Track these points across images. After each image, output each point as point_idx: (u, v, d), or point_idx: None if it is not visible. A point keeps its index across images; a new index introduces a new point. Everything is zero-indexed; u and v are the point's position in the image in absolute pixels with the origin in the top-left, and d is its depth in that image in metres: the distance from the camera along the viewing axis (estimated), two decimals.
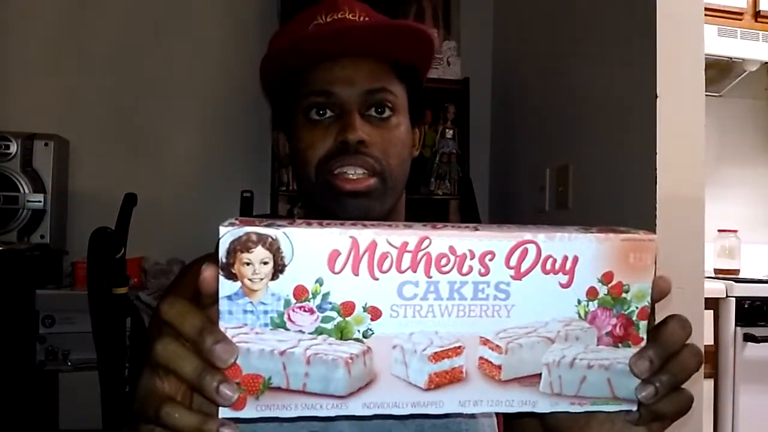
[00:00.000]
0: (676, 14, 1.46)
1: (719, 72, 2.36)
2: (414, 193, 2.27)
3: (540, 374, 0.44)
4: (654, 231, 0.42)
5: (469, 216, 2.30)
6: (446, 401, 0.43)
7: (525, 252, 0.41)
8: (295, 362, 0.41)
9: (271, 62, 0.75)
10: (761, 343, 1.77)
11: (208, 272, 0.40)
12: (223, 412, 0.41)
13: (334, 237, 0.40)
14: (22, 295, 1.90)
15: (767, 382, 1.82)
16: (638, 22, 1.52)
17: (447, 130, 2.33)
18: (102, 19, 2.38)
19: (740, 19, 2.15)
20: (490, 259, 0.41)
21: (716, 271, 2.24)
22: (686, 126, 1.46)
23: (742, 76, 2.33)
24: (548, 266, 0.42)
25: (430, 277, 0.41)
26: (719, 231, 2.28)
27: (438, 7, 2.37)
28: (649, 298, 0.44)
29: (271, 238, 0.39)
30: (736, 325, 1.79)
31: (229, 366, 0.40)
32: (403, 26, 0.76)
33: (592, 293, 0.43)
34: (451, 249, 0.40)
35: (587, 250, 0.42)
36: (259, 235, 0.39)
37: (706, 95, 1.50)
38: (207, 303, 0.41)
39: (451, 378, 0.43)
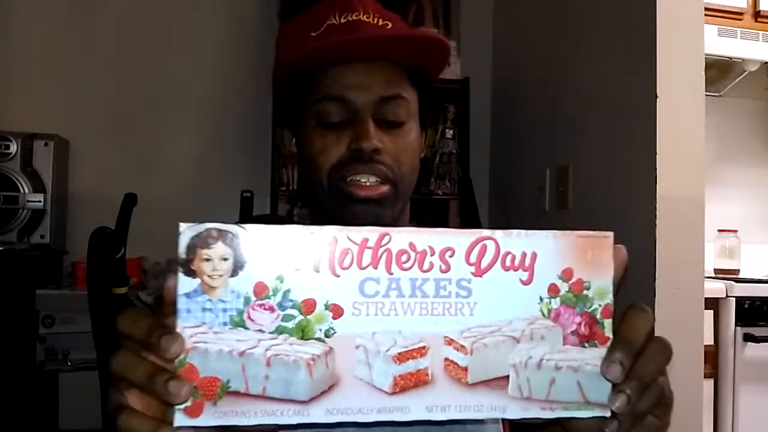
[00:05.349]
0: (676, 14, 1.46)
1: (719, 72, 2.35)
2: (414, 192, 2.25)
3: (508, 376, 0.43)
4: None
5: (469, 216, 2.30)
6: (412, 406, 0.41)
7: (484, 248, 0.42)
8: (254, 364, 0.40)
9: (287, 69, 0.73)
10: (761, 343, 1.77)
11: (171, 281, 0.40)
12: (179, 420, 0.39)
13: (295, 233, 0.40)
14: (22, 295, 1.90)
15: (767, 382, 1.82)
16: (638, 22, 1.52)
17: (447, 130, 2.33)
18: (102, 20, 2.38)
19: (740, 19, 2.15)
20: (450, 256, 0.41)
21: (716, 271, 2.24)
22: (686, 126, 1.46)
23: (742, 76, 2.33)
24: (508, 262, 0.42)
25: (392, 274, 0.41)
26: (719, 231, 2.28)
27: (438, 7, 2.36)
28: (611, 296, 0.44)
29: (231, 233, 0.39)
30: (736, 325, 1.79)
31: (176, 358, 0.39)
32: (423, 37, 0.74)
33: (553, 290, 0.43)
34: (411, 245, 0.41)
35: (544, 246, 0.42)
36: (219, 230, 0.39)
37: (706, 95, 1.50)
38: (170, 312, 0.40)
39: (417, 381, 0.42)
